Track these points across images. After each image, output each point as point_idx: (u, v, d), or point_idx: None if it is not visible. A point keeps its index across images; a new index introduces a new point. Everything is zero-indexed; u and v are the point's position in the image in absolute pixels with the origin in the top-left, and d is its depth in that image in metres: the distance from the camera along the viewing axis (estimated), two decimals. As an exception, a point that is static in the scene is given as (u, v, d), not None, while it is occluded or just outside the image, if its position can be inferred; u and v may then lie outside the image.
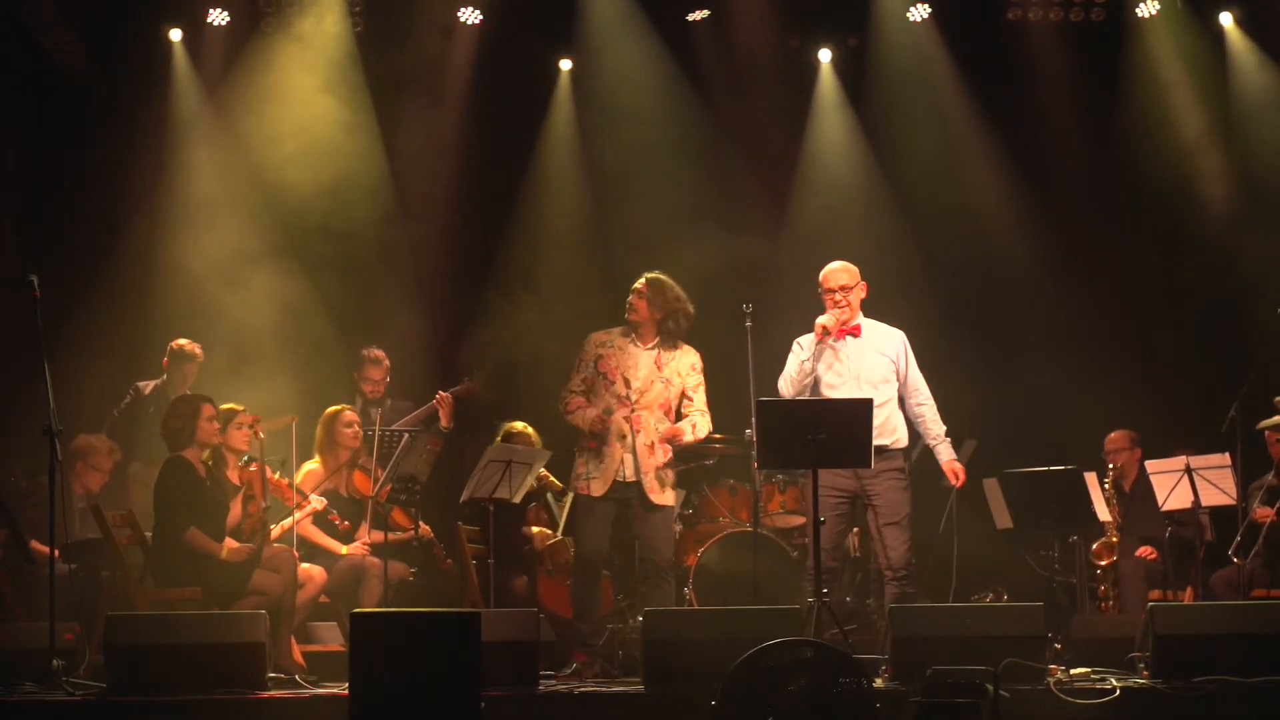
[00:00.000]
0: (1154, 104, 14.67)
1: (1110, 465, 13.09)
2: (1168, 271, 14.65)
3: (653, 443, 11.24)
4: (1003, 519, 12.73)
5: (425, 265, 14.63)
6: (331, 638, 11.98)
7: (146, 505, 11.27)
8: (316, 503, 11.69)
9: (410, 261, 14.62)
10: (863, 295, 11.17)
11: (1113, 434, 13.31)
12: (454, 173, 14.65)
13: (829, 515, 10.85)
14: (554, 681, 10.56)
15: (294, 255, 14.00)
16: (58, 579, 10.14)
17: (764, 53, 14.71)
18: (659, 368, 11.31)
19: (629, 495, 11.23)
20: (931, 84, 14.76)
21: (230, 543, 10.98)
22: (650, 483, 11.22)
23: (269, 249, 13.93)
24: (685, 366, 11.38)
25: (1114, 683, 9.72)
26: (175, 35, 14.35)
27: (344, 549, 11.81)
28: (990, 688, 8.61)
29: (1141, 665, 10.24)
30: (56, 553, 10.28)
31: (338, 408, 12.23)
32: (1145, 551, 12.80)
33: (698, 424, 11.40)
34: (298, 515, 11.64)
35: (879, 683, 9.67)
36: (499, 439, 12.52)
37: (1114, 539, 12.97)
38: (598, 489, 11.19)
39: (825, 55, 14.99)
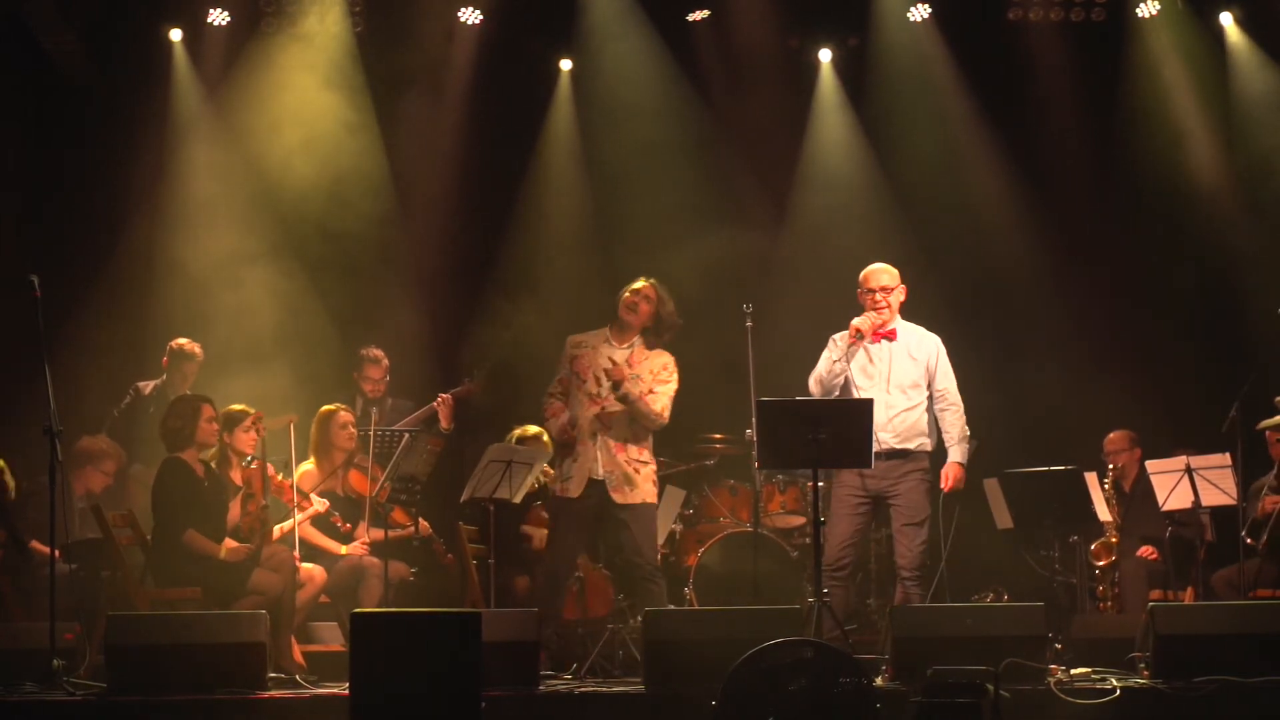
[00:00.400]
0: (1154, 104, 14.67)
1: (1110, 465, 13.09)
2: (1168, 271, 14.65)
3: (624, 441, 11.21)
4: (1003, 519, 12.72)
5: (425, 265, 14.63)
6: (332, 638, 11.98)
7: (147, 506, 11.26)
8: (319, 505, 11.68)
9: (410, 261, 14.63)
10: (902, 298, 11.17)
11: (1112, 434, 13.31)
12: (454, 173, 14.66)
13: (848, 516, 10.90)
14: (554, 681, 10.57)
15: (294, 255, 14.01)
16: (58, 579, 10.14)
17: (764, 53, 14.71)
18: (631, 366, 11.27)
19: (600, 497, 11.19)
20: (932, 84, 14.76)
21: (229, 543, 10.97)
22: (615, 481, 11.17)
23: (269, 249, 13.93)
24: (657, 366, 11.32)
25: (1114, 683, 9.73)
26: (175, 35, 14.35)
27: (343, 549, 11.80)
28: (991, 688, 8.61)
29: (1142, 665, 10.24)
30: (57, 553, 10.28)
31: (332, 407, 12.21)
32: (1146, 551, 12.80)
33: (654, 393, 11.21)
34: (299, 517, 11.62)
35: (879, 683, 9.68)
36: (513, 440, 12.47)
37: (1113, 539, 12.97)
38: (574, 489, 11.15)
39: (825, 55, 14.99)
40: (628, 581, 11.52)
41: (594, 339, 11.33)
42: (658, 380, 11.26)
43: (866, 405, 10.53)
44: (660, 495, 12.77)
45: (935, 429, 11.10)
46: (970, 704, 8.53)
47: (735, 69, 14.74)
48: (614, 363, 11.16)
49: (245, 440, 11.37)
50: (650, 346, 11.33)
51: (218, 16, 14.25)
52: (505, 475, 11.44)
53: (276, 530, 11.43)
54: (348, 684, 8.71)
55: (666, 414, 11.27)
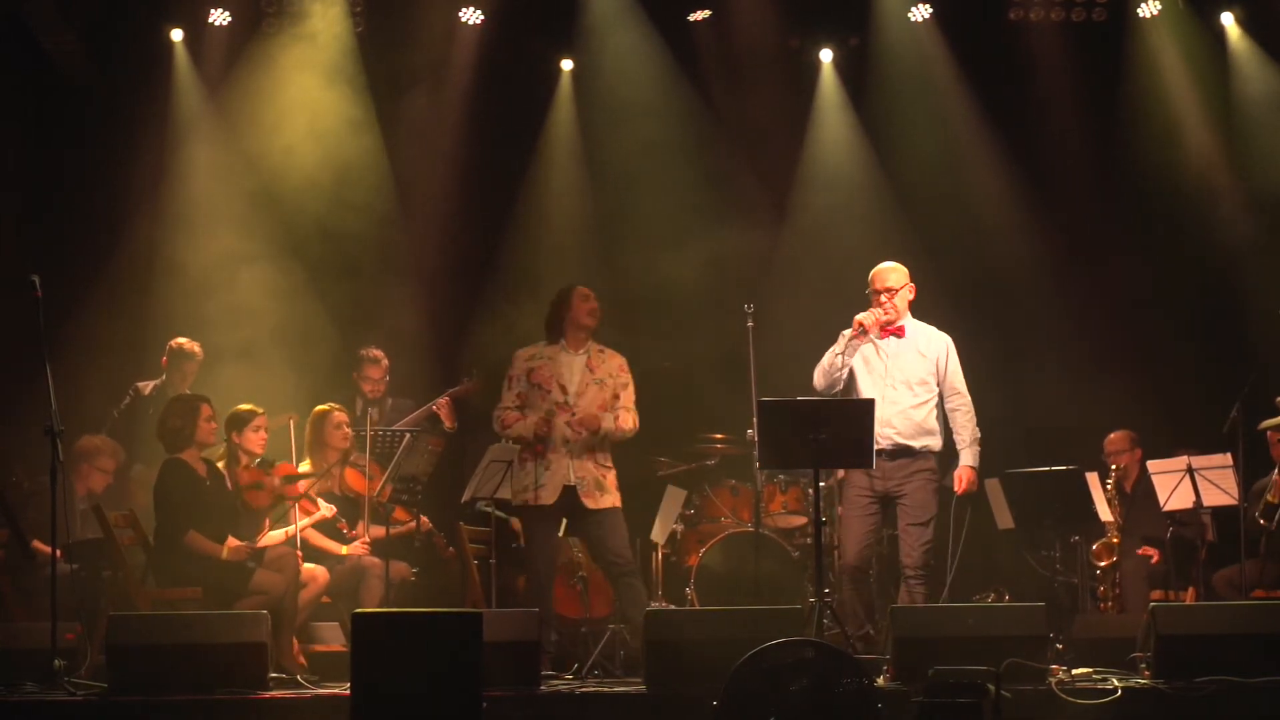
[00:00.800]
0: (1155, 104, 14.67)
1: (1112, 466, 13.09)
2: (1169, 271, 14.64)
3: (592, 448, 11.22)
4: (1004, 519, 12.71)
5: (425, 265, 14.63)
6: (333, 638, 11.97)
7: (148, 506, 11.26)
8: (325, 510, 11.65)
9: (410, 261, 14.62)
10: (910, 297, 11.18)
11: (1113, 434, 13.32)
12: (455, 173, 14.65)
13: (861, 517, 10.94)
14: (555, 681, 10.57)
15: (294, 255, 14.01)
16: (59, 579, 10.14)
17: (765, 53, 14.71)
18: (592, 371, 11.30)
19: (573, 502, 11.20)
20: (932, 84, 14.76)
21: (232, 541, 10.96)
22: (588, 485, 11.18)
23: (269, 249, 13.94)
24: (615, 368, 11.39)
25: (1116, 683, 9.73)
26: (176, 35, 14.35)
27: (344, 549, 11.79)
28: (992, 688, 8.61)
29: (1143, 665, 10.24)
30: (58, 553, 10.28)
31: (325, 407, 12.16)
32: (1148, 551, 12.80)
33: (621, 415, 11.33)
34: (304, 522, 11.58)
35: (881, 683, 9.68)
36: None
37: (1114, 539, 12.96)
38: (548, 497, 11.16)
39: (826, 55, 14.99)
40: (611, 582, 11.52)
41: (548, 350, 11.34)
42: (619, 385, 11.33)
43: (867, 405, 10.54)
44: (660, 496, 12.83)
45: (943, 430, 11.11)
46: (971, 704, 8.53)
47: (736, 69, 14.74)
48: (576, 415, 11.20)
49: (255, 440, 11.37)
50: (597, 346, 11.38)
51: (219, 17, 14.24)
52: (507, 476, 11.44)
53: (281, 534, 11.42)
54: (349, 684, 8.72)
55: (637, 423, 11.37)
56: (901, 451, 10.94)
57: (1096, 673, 10.19)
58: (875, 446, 10.66)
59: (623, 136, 14.61)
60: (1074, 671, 10.13)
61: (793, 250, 14.69)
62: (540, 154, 14.97)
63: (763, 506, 12.65)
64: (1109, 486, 12.89)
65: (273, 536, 11.47)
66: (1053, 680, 9.82)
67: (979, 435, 11.16)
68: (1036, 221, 14.70)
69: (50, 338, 10.25)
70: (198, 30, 14.33)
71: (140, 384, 13.01)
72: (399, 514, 11.98)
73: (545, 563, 11.35)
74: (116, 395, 13.08)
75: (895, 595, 11.36)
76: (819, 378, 11.06)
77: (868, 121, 14.95)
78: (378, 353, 13.18)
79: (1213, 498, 12.09)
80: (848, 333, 11.08)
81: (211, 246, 13.94)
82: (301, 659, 10.92)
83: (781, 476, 13.14)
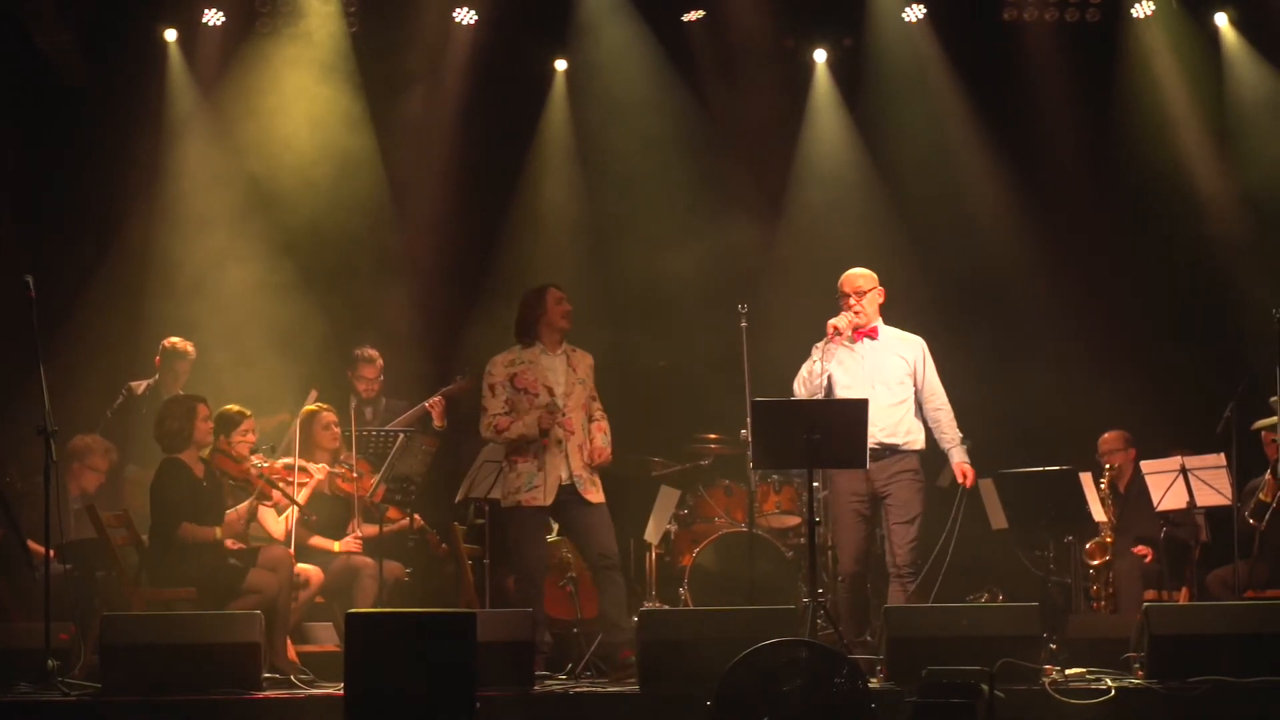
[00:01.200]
0: (1149, 104, 14.67)
1: (1106, 466, 13.09)
2: (1162, 271, 14.66)
3: (581, 444, 11.22)
4: (998, 519, 12.73)
5: (420, 264, 14.63)
6: (327, 638, 11.98)
7: (143, 506, 11.26)
8: (318, 472, 11.61)
9: (405, 261, 14.62)
10: (880, 300, 11.23)
11: (1107, 434, 13.32)
12: (449, 173, 14.64)
13: (854, 523, 10.99)
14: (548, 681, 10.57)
15: (288, 254, 14.01)
16: (53, 579, 10.14)
17: (759, 53, 14.71)
18: (574, 370, 11.29)
19: (568, 498, 11.18)
20: (926, 84, 14.77)
21: (229, 515, 10.96)
22: (585, 484, 11.17)
23: (263, 248, 13.94)
24: (589, 367, 11.38)
25: (1109, 683, 9.73)
26: (170, 35, 14.33)
27: (336, 545, 11.78)
28: (985, 688, 8.61)
29: (1137, 665, 10.24)
30: (52, 553, 10.27)
31: (314, 407, 12.13)
32: (1141, 550, 12.81)
33: (607, 434, 11.34)
34: (305, 491, 11.55)
35: (874, 683, 9.68)
36: None
37: (1108, 539, 12.97)
38: (545, 497, 11.07)
39: (820, 55, 15.00)
40: (594, 577, 11.51)
41: (526, 354, 11.24)
42: (593, 383, 11.32)
43: (861, 405, 10.55)
44: (654, 496, 12.83)
45: (920, 429, 11.16)
46: (965, 704, 8.53)
47: (730, 69, 14.74)
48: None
49: (243, 445, 11.35)
50: (570, 345, 11.37)
51: (212, 17, 14.23)
52: (500, 476, 11.45)
53: (282, 521, 11.43)
54: (342, 684, 8.72)
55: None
56: (886, 450, 10.98)
57: (1090, 673, 10.19)
58: (865, 446, 10.72)
59: (617, 136, 14.62)
60: (1067, 672, 10.14)
61: (787, 250, 14.69)
62: (534, 154, 14.97)
63: (756, 506, 12.65)
64: (1103, 486, 12.89)
65: (278, 524, 11.49)
66: (1046, 680, 9.82)
67: (961, 434, 11.22)
68: (1030, 222, 14.71)
69: (44, 338, 10.24)
70: (191, 30, 14.31)
71: (133, 383, 13.00)
72: (391, 512, 11.96)
73: (539, 564, 11.34)
74: (110, 395, 13.08)
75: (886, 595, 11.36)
76: (800, 389, 11.10)
77: (862, 122, 14.96)
78: (373, 352, 13.17)
79: (1206, 498, 12.11)
80: (820, 345, 11.14)
81: (205, 246, 13.94)
82: (295, 659, 10.92)
83: (775, 476, 13.14)
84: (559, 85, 15.00)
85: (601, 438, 11.25)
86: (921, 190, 14.73)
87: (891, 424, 11.01)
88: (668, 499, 13.16)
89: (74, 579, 11.28)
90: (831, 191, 14.87)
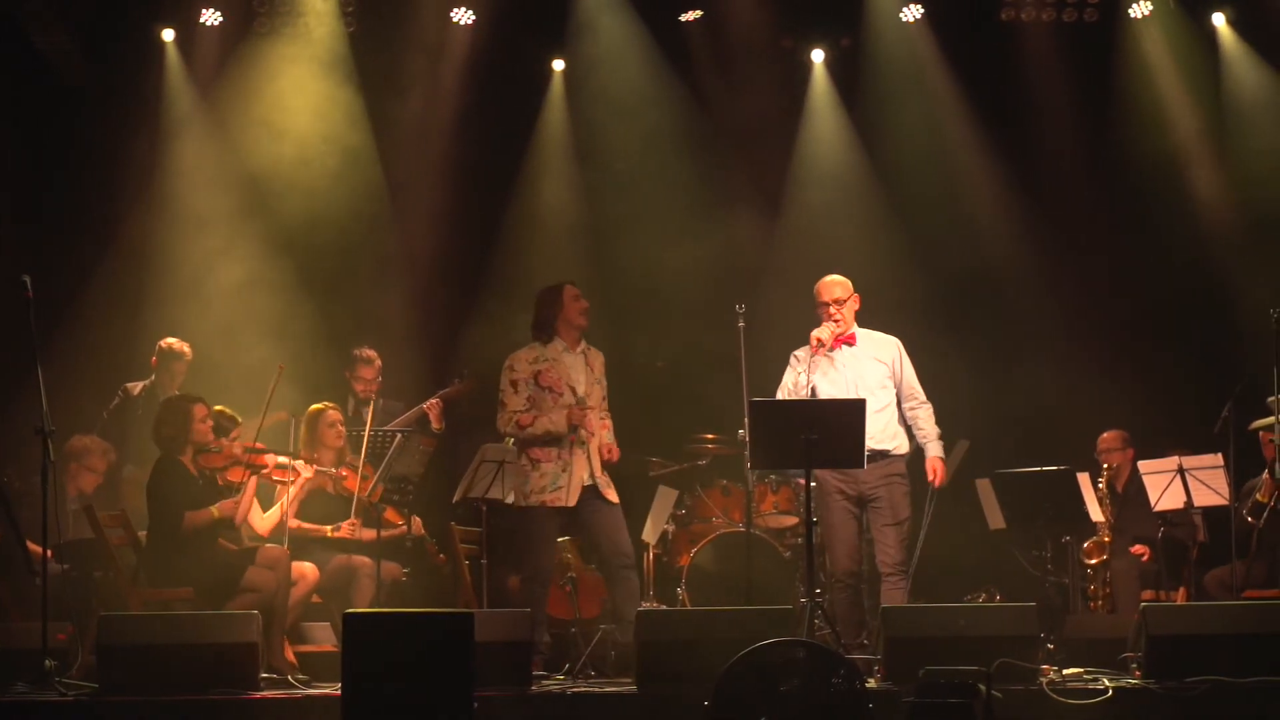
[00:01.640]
0: (1146, 104, 14.67)
1: (1104, 466, 13.09)
2: (1160, 271, 14.66)
3: (600, 444, 11.24)
4: (995, 519, 12.72)
5: (418, 265, 14.63)
6: (324, 638, 11.97)
7: (140, 507, 11.25)
8: (305, 470, 11.61)
9: (403, 261, 14.62)
10: (856, 307, 11.27)
11: (1106, 434, 13.32)
12: (447, 173, 14.64)
13: (845, 523, 11.06)
14: (546, 681, 10.57)
15: (286, 254, 14.02)
16: (50, 580, 10.14)
17: (757, 53, 14.70)
18: (591, 369, 11.32)
19: (587, 498, 11.19)
20: (924, 84, 14.76)
21: (224, 506, 10.98)
22: (604, 483, 11.22)
23: (261, 248, 13.95)
24: (601, 365, 11.43)
25: (1106, 683, 9.73)
26: (168, 35, 14.32)
27: (329, 529, 11.76)
28: (983, 688, 8.61)
29: (1134, 665, 10.24)
30: (49, 553, 10.27)
31: (320, 406, 12.13)
32: (1139, 549, 12.81)
33: (611, 429, 11.42)
34: (294, 489, 11.55)
35: (872, 683, 9.68)
36: None
37: (1105, 539, 12.97)
38: (570, 498, 11.14)
39: (818, 55, 15.00)
40: (606, 574, 11.51)
41: (548, 351, 11.30)
42: (604, 383, 11.32)
43: (859, 405, 10.56)
44: (652, 496, 12.83)
45: (904, 432, 11.19)
46: (962, 704, 8.53)
47: (728, 69, 14.74)
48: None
49: (239, 446, 11.38)
50: (586, 344, 11.39)
51: (210, 16, 14.22)
52: (498, 476, 11.45)
53: (275, 511, 11.44)
54: (340, 684, 8.72)
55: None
56: (877, 456, 11.02)
57: (1087, 673, 10.19)
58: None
59: (615, 137, 14.62)
60: (1065, 671, 10.13)
61: (785, 250, 14.69)
62: (532, 154, 14.96)
63: (754, 507, 12.66)
64: (1101, 486, 12.89)
65: (268, 518, 11.50)
66: (1044, 680, 9.82)
67: (939, 431, 11.24)
68: (1028, 222, 14.71)
69: (42, 338, 10.24)
70: (189, 30, 14.30)
71: (129, 384, 12.99)
72: (391, 516, 11.96)
73: (547, 562, 11.37)
74: (107, 395, 13.07)
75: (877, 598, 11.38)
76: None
77: (860, 122, 14.96)
78: (371, 352, 13.16)
79: (1204, 498, 12.10)
80: (800, 353, 11.23)
81: (203, 246, 13.94)
82: (293, 659, 10.91)
83: (773, 476, 13.15)
84: (557, 85, 15.00)
85: (608, 435, 11.27)
86: (919, 190, 14.73)
87: (878, 430, 11.05)
88: (665, 499, 13.16)
89: (71, 579, 11.28)
90: (829, 191, 14.87)
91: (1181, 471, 12.10)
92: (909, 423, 11.27)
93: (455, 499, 11.71)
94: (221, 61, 14.31)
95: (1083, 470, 12.30)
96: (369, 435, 12.06)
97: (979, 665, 8.85)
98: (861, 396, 10.93)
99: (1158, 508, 12.29)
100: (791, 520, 13.10)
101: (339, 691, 8.80)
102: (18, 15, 13.64)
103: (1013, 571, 13.11)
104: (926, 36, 14.70)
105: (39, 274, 10.36)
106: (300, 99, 14.16)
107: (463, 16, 14.45)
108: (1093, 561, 12.97)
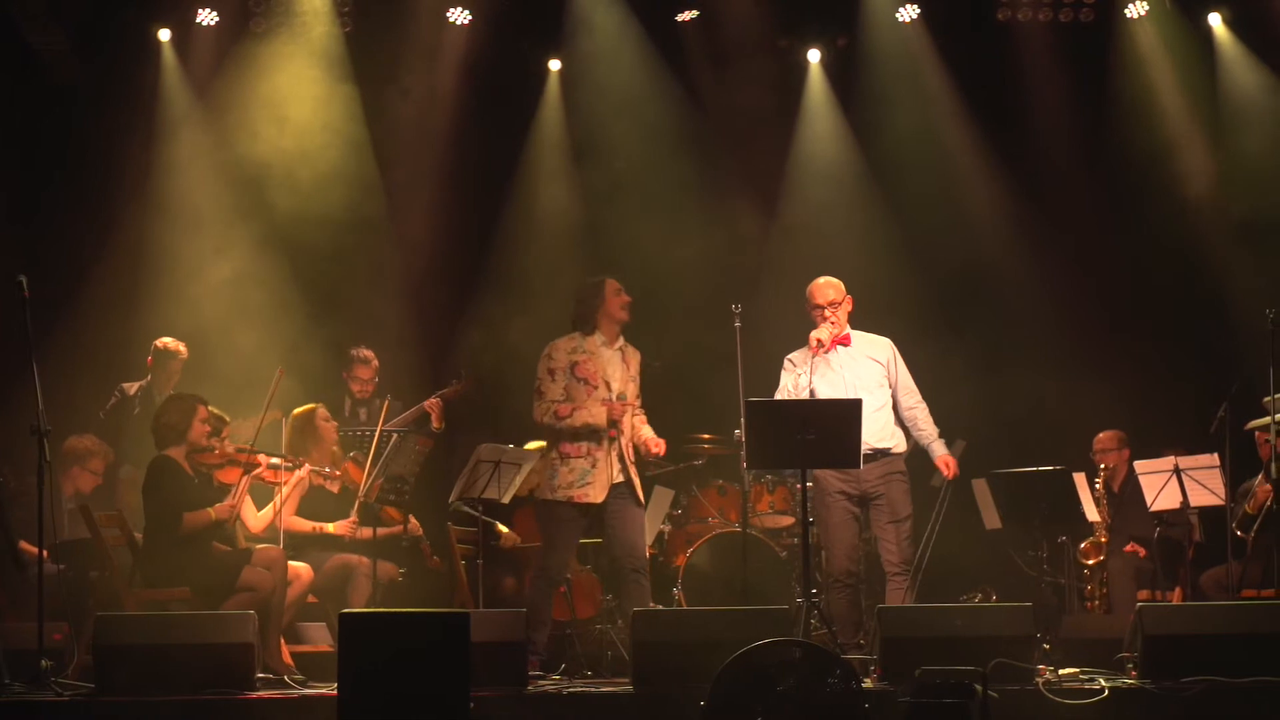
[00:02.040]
0: (1142, 104, 14.67)
1: (1101, 466, 13.10)
2: (1156, 271, 14.66)
3: (629, 442, 11.24)
4: (991, 519, 12.73)
5: (415, 265, 14.63)
6: (320, 638, 11.96)
7: (136, 506, 11.24)
8: (300, 470, 11.61)
9: (400, 261, 14.62)
10: (849, 308, 11.28)
11: (1102, 434, 13.33)
12: (443, 173, 14.63)
13: (845, 523, 11.06)
14: (542, 681, 10.57)
15: (282, 254, 14.02)
16: (46, 579, 10.13)
17: (753, 53, 14.70)
18: (628, 367, 11.32)
19: (613, 497, 11.18)
20: (920, 84, 14.76)
21: (220, 509, 10.98)
22: (636, 483, 11.22)
23: (256, 248, 13.94)
24: (638, 365, 11.43)
25: (1103, 683, 9.74)
26: (164, 35, 14.31)
27: (330, 526, 11.76)
28: (979, 688, 8.60)
29: (1130, 665, 10.25)
30: (45, 553, 10.27)
31: (309, 407, 12.10)
32: (1132, 548, 12.82)
33: (643, 421, 11.42)
34: (288, 488, 11.55)
35: (868, 683, 9.69)
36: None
37: (1102, 539, 12.98)
38: (596, 495, 11.09)
39: (814, 55, 14.99)
40: (617, 578, 11.50)
41: (585, 343, 11.28)
42: (639, 384, 11.31)
43: (855, 405, 10.57)
44: (648, 496, 12.82)
45: (901, 430, 11.20)
46: (958, 704, 8.52)
47: (724, 69, 14.73)
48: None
49: (231, 445, 11.37)
50: (624, 340, 11.38)
51: (206, 16, 14.22)
52: (494, 476, 11.45)
53: (269, 510, 11.45)
54: (336, 684, 8.72)
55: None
56: (877, 455, 11.06)
57: (1083, 673, 10.20)
58: (851, 450, 10.79)
59: (611, 137, 14.62)
60: (1061, 672, 10.13)
61: (782, 250, 14.69)
62: (528, 154, 14.96)
63: (750, 507, 12.66)
64: (1097, 486, 12.90)
65: (262, 516, 11.49)
66: (1039, 680, 9.83)
67: (938, 430, 11.30)
68: (1024, 221, 14.71)
69: (38, 337, 10.24)
70: (185, 30, 14.30)
71: (125, 384, 12.99)
72: (390, 513, 11.95)
73: (562, 560, 11.37)
74: (103, 395, 13.07)
75: (881, 596, 11.37)
76: None
77: (856, 121, 14.96)
78: (368, 353, 13.17)
79: (1200, 498, 12.10)
80: (795, 356, 11.25)
81: (199, 246, 13.95)
82: (289, 659, 10.91)
83: (769, 477, 13.15)
84: (553, 86, 14.99)
85: (647, 430, 11.27)
86: (915, 190, 14.73)
87: (877, 429, 11.09)
88: (662, 499, 13.17)
89: (67, 579, 11.27)
90: (826, 191, 14.87)
91: (1177, 471, 12.10)
92: (908, 423, 11.30)
93: (451, 499, 11.70)
94: (217, 61, 14.31)
95: (1079, 470, 12.30)
96: (379, 435, 12.05)
97: (975, 665, 8.84)
98: (860, 396, 10.96)
99: (1154, 508, 12.29)
100: (788, 520, 13.11)
101: (335, 691, 8.81)
102: (13, 14, 13.63)
103: (1009, 572, 13.13)
104: (923, 36, 14.70)
105: (35, 274, 10.35)
106: (296, 99, 14.16)
107: (459, 16, 14.45)
108: (1089, 561, 12.99)
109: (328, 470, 11.81)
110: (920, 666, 8.92)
